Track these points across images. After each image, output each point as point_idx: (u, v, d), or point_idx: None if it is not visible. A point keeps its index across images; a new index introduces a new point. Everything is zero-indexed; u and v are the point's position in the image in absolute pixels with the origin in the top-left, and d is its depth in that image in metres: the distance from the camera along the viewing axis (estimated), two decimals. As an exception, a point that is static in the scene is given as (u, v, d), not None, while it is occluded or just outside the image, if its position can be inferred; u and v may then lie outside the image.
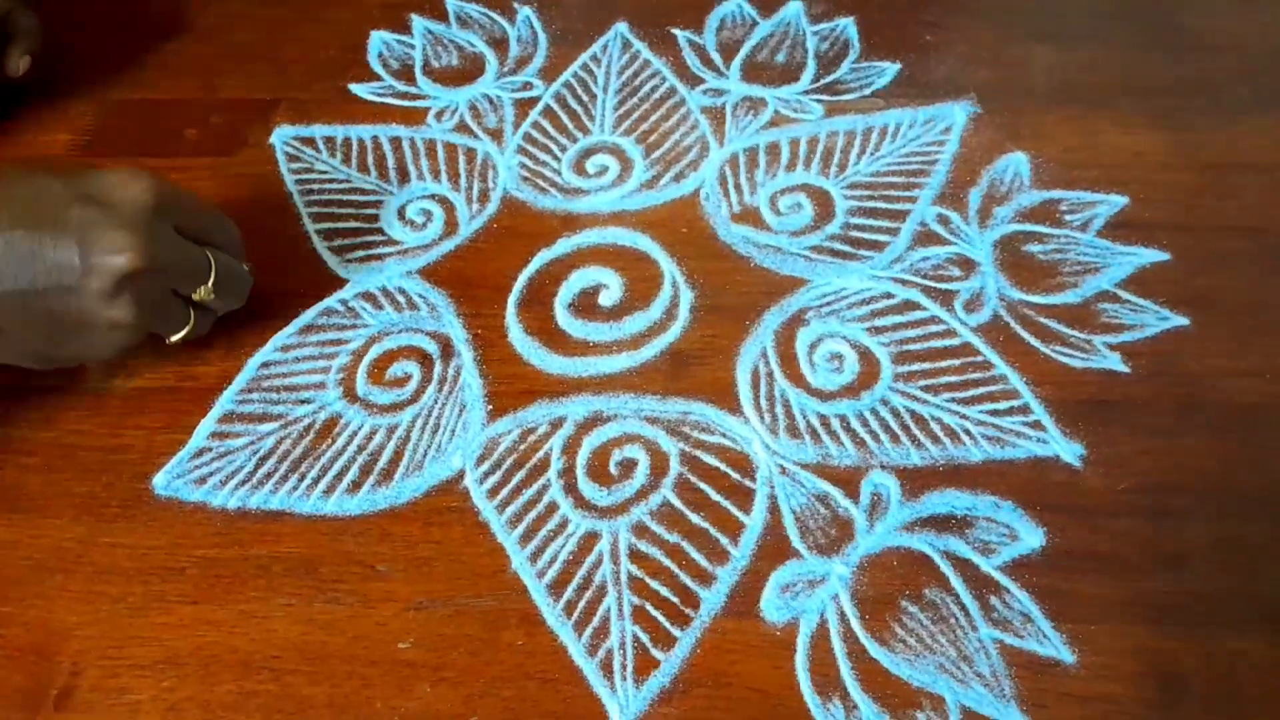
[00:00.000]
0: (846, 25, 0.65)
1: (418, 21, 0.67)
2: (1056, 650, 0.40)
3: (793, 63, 0.63)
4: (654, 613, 0.41)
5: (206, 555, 0.44)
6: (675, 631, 0.41)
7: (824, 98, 0.61)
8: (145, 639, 0.41)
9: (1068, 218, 0.54)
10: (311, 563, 0.43)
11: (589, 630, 0.41)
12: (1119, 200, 0.55)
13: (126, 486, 0.46)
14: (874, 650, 0.40)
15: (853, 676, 0.39)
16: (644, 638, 0.41)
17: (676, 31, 0.65)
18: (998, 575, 0.42)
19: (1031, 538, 0.43)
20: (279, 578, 0.43)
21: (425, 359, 0.50)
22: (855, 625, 0.41)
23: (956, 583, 0.41)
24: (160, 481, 0.46)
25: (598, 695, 0.39)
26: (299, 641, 0.41)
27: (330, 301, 0.52)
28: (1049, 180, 0.56)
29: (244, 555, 0.43)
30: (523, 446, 0.46)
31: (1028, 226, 0.54)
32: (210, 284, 0.46)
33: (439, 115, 0.61)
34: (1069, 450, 0.45)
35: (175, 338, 0.47)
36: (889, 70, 0.62)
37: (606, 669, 0.40)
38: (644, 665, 0.40)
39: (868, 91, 0.61)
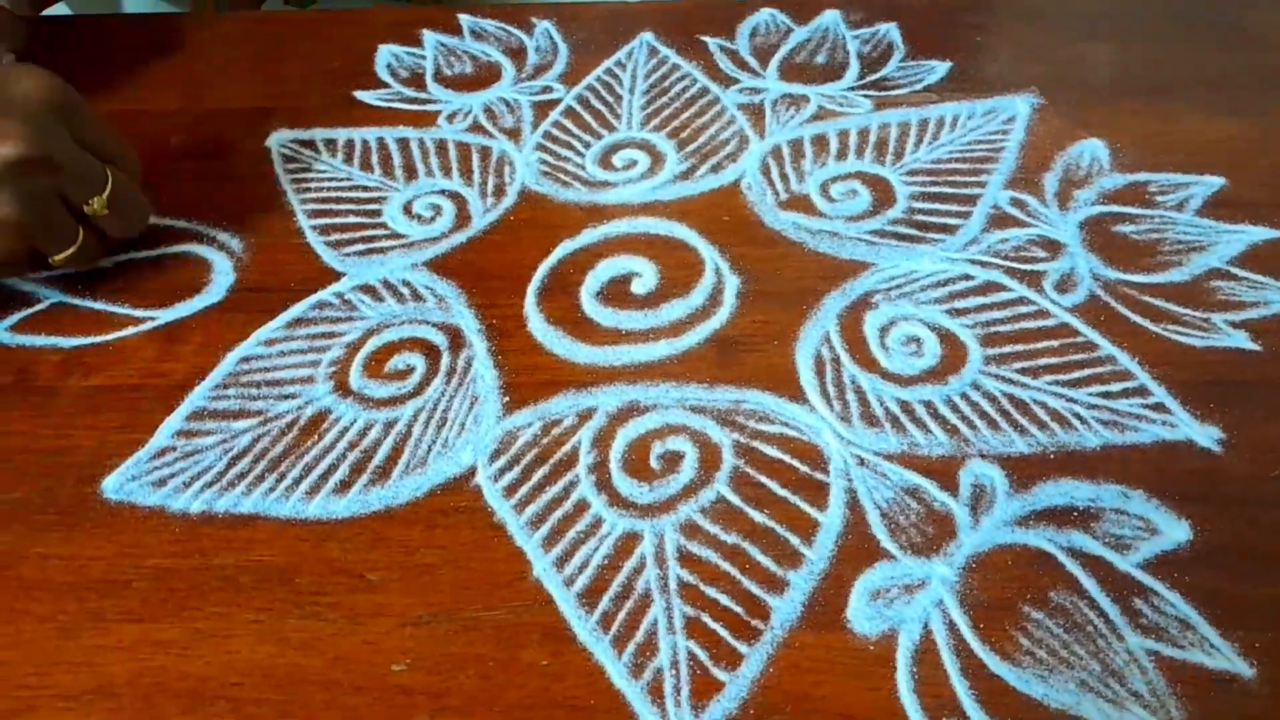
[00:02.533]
0: (888, 30, 0.61)
1: (429, 35, 0.63)
2: (1230, 663, 0.31)
3: (834, 63, 0.58)
4: (713, 625, 0.33)
5: (159, 566, 0.35)
6: (741, 647, 0.32)
7: (871, 93, 0.56)
8: (74, 664, 0.33)
9: (1159, 199, 0.48)
10: (287, 573, 0.35)
11: (631, 647, 0.33)
12: (1215, 181, 0.49)
13: (70, 491, 0.38)
14: (995, 665, 0.31)
15: (972, 697, 0.31)
16: (702, 655, 0.32)
17: (706, 39, 0.61)
18: (1139, 575, 0.33)
19: (1175, 531, 0.35)
20: (246, 590, 0.35)
21: (431, 350, 0.42)
22: (968, 636, 0.32)
23: (1089, 584, 0.33)
24: (111, 484, 0.38)
25: (645, 725, 0.31)
26: (266, 665, 0.33)
27: (324, 294, 0.45)
28: (1131, 165, 0.50)
29: (205, 565, 0.35)
30: (545, 440, 0.39)
31: (1115, 208, 0.47)
32: (105, 195, 0.42)
33: (450, 118, 0.56)
34: (1204, 434, 0.38)
35: (60, 256, 0.43)
36: (940, 68, 0.57)
37: (655, 693, 0.31)
38: (703, 688, 0.31)
39: (918, 87, 0.56)
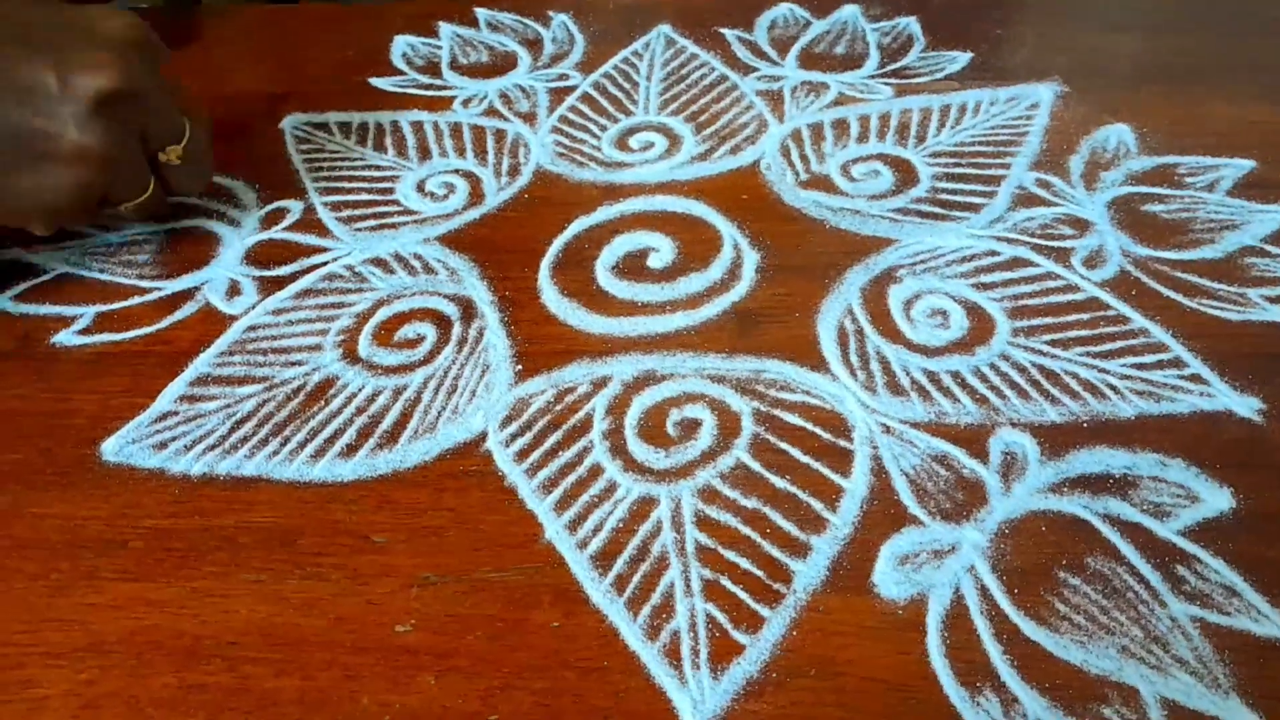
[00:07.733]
0: (908, 23, 0.60)
1: (445, 27, 0.62)
2: (1279, 630, 0.29)
3: (854, 53, 0.58)
4: (732, 588, 0.31)
5: (158, 526, 0.34)
6: (762, 610, 0.31)
7: (892, 81, 0.55)
8: (65, 622, 0.32)
9: (1188, 180, 0.47)
10: (290, 534, 0.34)
11: (647, 609, 0.31)
12: (1245, 164, 0.47)
13: (69, 453, 0.37)
14: (1030, 631, 0.30)
15: (1007, 663, 0.29)
16: (721, 618, 0.31)
17: (725, 31, 0.60)
18: (1181, 542, 0.32)
19: (1216, 499, 0.33)
20: (246, 551, 0.33)
21: (442, 320, 0.41)
22: (1002, 601, 0.31)
23: (1128, 551, 0.32)
24: (111, 447, 0.37)
25: (661, 688, 0.29)
26: (265, 625, 0.31)
27: (334, 266, 0.45)
28: (1158, 148, 0.49)
29: (204, 526, 0.34)
30: (559, 407, 0.38)
31: (1143, 189, 0.46)
32: (182, 145, 0.42)
33: (466, 103, 0.55)
34: (1243, 404, 0.36)
35: (131, 204, 0.42)
36: (961, 58, 0.57)
37: (673, 655, 0.30)
38: (723, 651, 0.30)
39: (939, 76, 0.55)
